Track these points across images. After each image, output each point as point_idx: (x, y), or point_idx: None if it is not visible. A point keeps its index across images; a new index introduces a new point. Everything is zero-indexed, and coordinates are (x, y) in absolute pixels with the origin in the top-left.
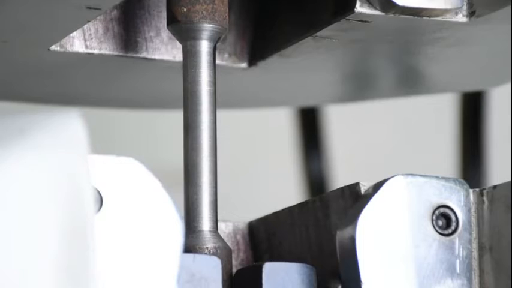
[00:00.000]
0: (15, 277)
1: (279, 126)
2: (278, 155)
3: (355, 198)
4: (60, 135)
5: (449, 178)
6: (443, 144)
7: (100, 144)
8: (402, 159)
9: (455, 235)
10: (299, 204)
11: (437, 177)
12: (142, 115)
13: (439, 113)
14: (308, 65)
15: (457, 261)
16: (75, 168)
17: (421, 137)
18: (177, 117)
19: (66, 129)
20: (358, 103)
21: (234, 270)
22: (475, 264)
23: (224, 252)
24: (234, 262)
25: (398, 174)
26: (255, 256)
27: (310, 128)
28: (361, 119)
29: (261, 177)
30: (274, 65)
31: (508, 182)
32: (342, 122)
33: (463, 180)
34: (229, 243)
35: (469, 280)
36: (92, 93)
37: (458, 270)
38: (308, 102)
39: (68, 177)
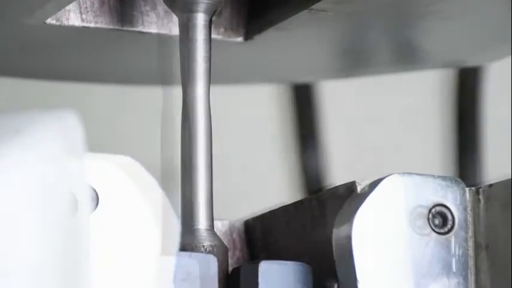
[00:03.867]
0: (9, 277)
1: (275, 121)
2: (274, 151)
3: (351, 197)
4: (56, 135)
5: (445, 177)
6: (440, 139)
7: (98, 141)
8: (398, 155)
9: (452, 234)
10: (295, 202)
11: (433, 176)
12: (143, 112)
13: (436, 108)
14: (304, 39)
15: (453, 259)
16: (71, 167)
17: (418, 132)
18: (174, 113)
19: (62, 128)
20: (355, 79)
21: (230, 268)
22: (471, 262)
23: (220, 251)
24: (230, 261)
25: (394, 173)
26: (251, 254)
27: (306, 124)
28: (358, 115)
29: (257, 174)
30: (270, 39)
31: (503, 181)
32: (339, 118)
33: (459, 179)
34: (225, 242)
35: (465, 279)
36: (87, 68)
37: (454, 269)
38: (304, 77)
39: (64, 177)
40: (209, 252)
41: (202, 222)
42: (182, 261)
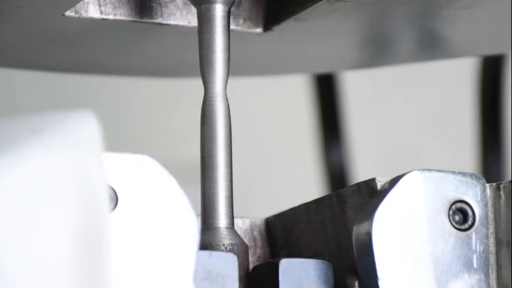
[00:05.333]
0: (30, 276)
1: (299, 117)
2: (298, 147)
3: (371, 194)
4: (74, 135)
5: (465, 173)
6: (464, 135)
7: (118, 139)
8: (422, 151)
9: (472, 230)
10: (315, 200)
11: (453, 172)
12: (161, 109)
13: (459, 104)
14: (324, 29)
15: (474, 256)
16: (89, 167)
17: (440, 128)
18: (193, 110)
19: (79, 128)
20: (375, 68)
21: (251, 266)
22: (492, 259)
23: (241, 249)
24: (251, 258)
25: (414, 170)
26: (272, 252)
27: (330, 120)
28: (381, 110)
29: (282, 171)
30: (289, 29)
31: None
32: (362, 114)
33: (479, 175)
34: (246, 240)
35: (487, 275)
36: (106, 61)
37: (475, 265)
38: (325, 68)
39: (82, 177)
40: (229, 250)
41: (222, 221)
42: (202, 260)
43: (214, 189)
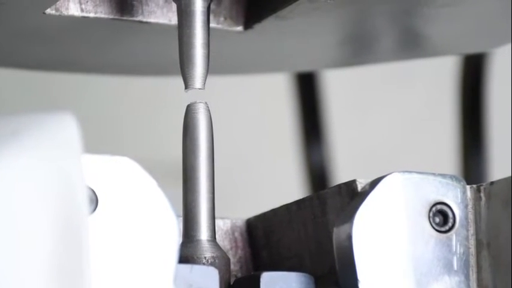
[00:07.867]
0: (8, 277)
1: (279, 117)
2: (279, 148)
3: (352, 196)
4: (54, 137)
5: (445, 175)
6: (445, 136)
7: (101, 139)
8: (403, 152)
9: (452, 232)
10: (296, 201)
11: (433, 174)
12: (144, 107)
13: (440, 104)
14: (305, 27)
15: (455, 258)
16: (69, 169)
17: (422, 128)
18: (177, 110)
19: (59, 130)
20: (357, 67)
21: (233, 267)
22: (472, 260)
23: (222, 262)
24: (232, 259)
25: (394, 172)
26: (253, 253)
27: (311, 119)
28: (362, 111)
29: (262, 171)
30: (270, 27)
31: (504, 178)
32: (343, 114)
33: (459, 177)
34: (227, 241)
35: (467, 277)
36: (88, 58)
37: (455, 267)
38: (305, 66)
39: (62, 178)
40: (211, 263)
41: (204, 233)
42: (183, 274)
43: (196, 202)
